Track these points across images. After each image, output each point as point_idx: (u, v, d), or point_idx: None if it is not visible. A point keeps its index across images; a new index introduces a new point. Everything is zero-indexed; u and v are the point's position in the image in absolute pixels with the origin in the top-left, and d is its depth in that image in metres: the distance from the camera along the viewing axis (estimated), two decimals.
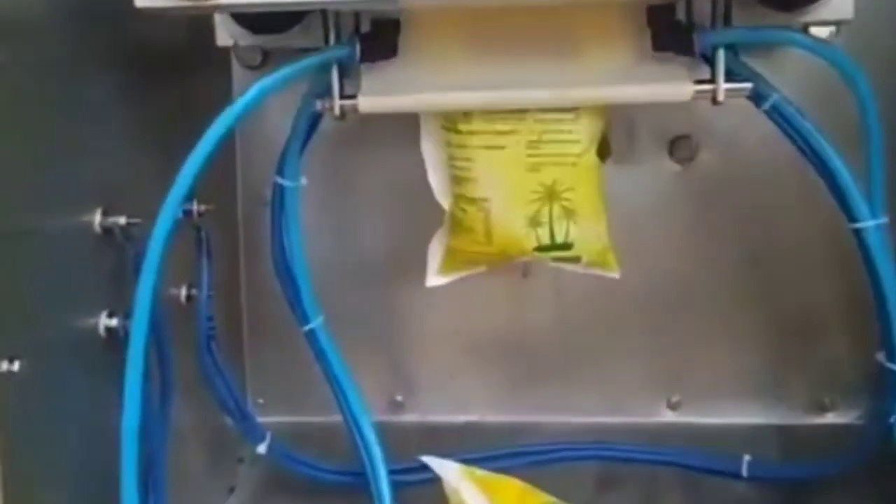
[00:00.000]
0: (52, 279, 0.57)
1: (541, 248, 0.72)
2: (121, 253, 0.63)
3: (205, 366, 0.73)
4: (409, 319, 0.86)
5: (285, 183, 0.70)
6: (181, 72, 0.74)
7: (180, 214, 0.69)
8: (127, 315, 0.60)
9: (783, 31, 0.65)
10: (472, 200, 0.71)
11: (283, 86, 0.61)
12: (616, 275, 0.76)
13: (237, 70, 0.81)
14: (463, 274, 0.77)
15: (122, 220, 0.62)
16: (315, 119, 0.70)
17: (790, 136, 0.65)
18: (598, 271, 0.76)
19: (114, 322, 0.62)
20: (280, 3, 0.60)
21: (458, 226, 0.73)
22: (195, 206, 0.71)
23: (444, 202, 0.73)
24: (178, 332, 0.70)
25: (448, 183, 0.73)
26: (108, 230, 0.61)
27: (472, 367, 0.87)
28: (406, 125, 0.73)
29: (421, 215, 0.75)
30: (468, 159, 0.70)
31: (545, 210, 0.70)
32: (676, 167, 0.82)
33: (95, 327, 0.61)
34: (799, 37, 0.64)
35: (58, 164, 0.58)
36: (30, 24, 0.55)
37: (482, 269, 0.77)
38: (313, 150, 0.72)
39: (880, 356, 0.66)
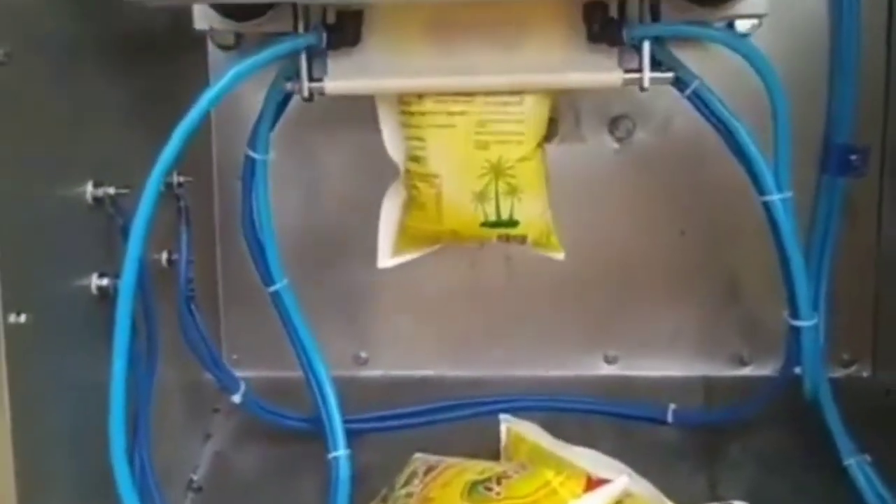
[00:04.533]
0: (50, 243, 0.62)
1: (487, 224, 0.77)
2: (110, 220, 0.68)
3: (185, 324, 0.78)
4: (373, 283, 0.92)
5: (255, 156, 0.76)
6: (163, 54, 0.79)
7: (163, 186, 0.77)
8: (116, 276, 0.65)
9: (699, 27, 0.71)
10: (425, 177, 0.76)
11: (255, 71, 0.66)
12: (560, 256, 0.81)
13: (213, 51, 0.87)
14: (416, 254, 0.82)
15: (112, 191, 0.67)
16: (284, 99, 0.76)
17: (708, 119, 0.72)
18: (543, 252, 0.81)
19: (104, 282, 0.67)
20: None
21: (411, 203, 0.79)
22: (175, 178, 0.76)
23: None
24: (161, 294, 0.75)
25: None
26: (98, 200, 0.67)
27: (430, 327, 0.94)
28: (366, 106, 0.79)
29: (379, 186, 0.81)
30: (421, 138, 0.76)
31: (491, 186, 0.76)
32: (615, 145, 0.89)
33: (88, 287, 0.67)
34: (713, 32, 0.71)
35: (54, 141, 0.63)
36: (31, 16, 0.60)
37: (434, 248, 0.82)
38: (281, 130, 0.77)
39: (786, 315, 0.74)
